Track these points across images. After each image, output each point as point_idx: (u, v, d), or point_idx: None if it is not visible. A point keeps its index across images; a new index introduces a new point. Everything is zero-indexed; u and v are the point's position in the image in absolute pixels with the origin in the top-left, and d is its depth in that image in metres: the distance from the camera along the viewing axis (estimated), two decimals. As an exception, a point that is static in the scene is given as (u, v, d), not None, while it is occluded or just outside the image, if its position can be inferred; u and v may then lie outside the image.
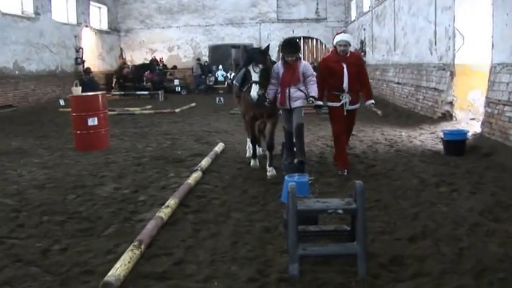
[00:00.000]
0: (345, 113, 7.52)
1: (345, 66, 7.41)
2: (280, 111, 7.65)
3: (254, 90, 6.83)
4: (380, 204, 5.94)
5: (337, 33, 8.03)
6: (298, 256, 4.04)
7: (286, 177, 6.31)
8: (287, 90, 7.23)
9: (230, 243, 4.80)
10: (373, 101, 7.94)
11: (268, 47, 7.66)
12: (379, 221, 5.34)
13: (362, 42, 25.49)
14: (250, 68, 6.98)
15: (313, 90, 7.24)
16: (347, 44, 7.52)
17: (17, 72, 20.75)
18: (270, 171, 7.49)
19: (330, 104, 7.64)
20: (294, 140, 7.42)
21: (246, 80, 7.26)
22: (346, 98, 7.48)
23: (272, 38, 31.38)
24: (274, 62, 7.79)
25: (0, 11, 19.59)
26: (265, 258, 4.44)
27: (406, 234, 4.87)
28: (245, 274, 4.12)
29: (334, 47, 7.68)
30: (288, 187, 4.15)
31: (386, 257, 4.33)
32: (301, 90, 7.29)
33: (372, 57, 23.16)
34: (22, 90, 20.88)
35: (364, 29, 24.83)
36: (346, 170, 7.52)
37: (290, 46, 7.34)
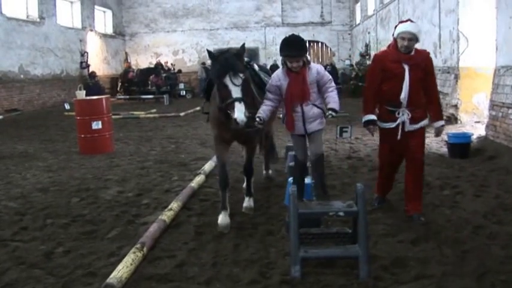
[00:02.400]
0: (399, 136, 5.39)
1: (406, 68, 5.21)
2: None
3: (240, 111, 4.66)
4: (383, 207, 5.93)
5: (401, 22, 5.49)
6: (300, 258, 4.04)
7: (289, 180, 6.30)
8: (298, 110, 5.36)
9: (232, 246, 4.80)
10: (443, 123, 5.55)
11: (243, 46, 5.19)
12: (382, 223, 5.34)
13: (367, 46, 25.50)
14: (227, 80, 4.76)
15: (333, 100, 5.32)
16: (413, 37, 5.21)
17: (22, 76, 20.89)
18: (246, 203, 5.89)
19: (379, 124, 5.54)
20: (310, 176, 5.88)
21: (220, 96, 4.95)
22: (404, 116, 5.33)
23: (277, 42, 31.44)
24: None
25: (5, 16, 19.73)
26: (267, 260, 4.44)
27: (409, 237, 4.86)
28: (247, 276, 4.13)
29: (394, 40, 5.37)
30: (289, 190, 4.16)
31: (389, 260, 4.33)
32: (318, 107, 5.43)
33: (376, 61, 23.12)
34: (27, 94, 21.02)
35: (369, 33, 24.86)
36: (379, 200, 6.02)
37: (291, 47, 5.22)
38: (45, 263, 4.52)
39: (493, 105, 9.36)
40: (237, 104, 4.69)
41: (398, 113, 5.35)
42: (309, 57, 5.48)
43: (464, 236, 4.89)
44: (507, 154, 8.16)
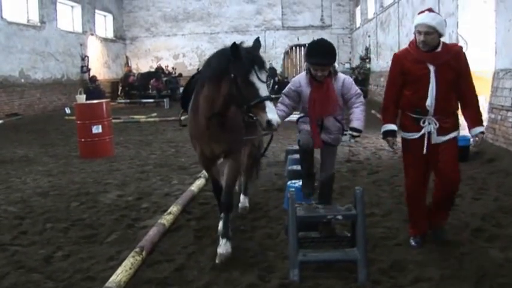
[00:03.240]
0: (426, 150, 4.55)
1: (432, 69, 4.40)
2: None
3: (274, 112, 4.00)
4: (382, 210, 5.94)
5: (420, 13, 4.57)
6: (298, 262, 4.05)
7: (288, 183, 6.31)
8: (319, 123, 4.75)
9: (232, 250, 4.81)
10: (482, 129, 4.65)
11: (258, 40, 4.43)
12: (381, 226, 5.35)
13: (367, 49, 25.54)
14: (254, 77, 4.02)
15: (357, 118, 4.70)
16: (430, 31, 4.33)
17: (22, 80, 20.92)
18: (222, 247, 4.62)
19: (403, 134, 4.73)
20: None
21: (243, 97, 4.05)
22: (430, 125, 4.51)
23: (277, 45, 31.54)
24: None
25: (6, 20, 19.77)
26: (266, 264, 4.45)
27: (407, 240, 4.86)
28: (246, 280, 4.14)
29: (415, 35, 4.54)
30: (288, 193, 4.17)
31: (387, 263, 4.34)
32: (338, 121, 4.81)
33: (376, 64, 23.17)
34: (28, 99, 21.04)
35: (369, 36, 24.88)
36: (419, 239, 4.78)
37: (321, 53, 4.60)
38: (45, 267, 4.53)
39: (492, 108, 9.36)
40: (268, 104, 3.98)
41: (424, 122, 4.52)
42: (336, 66, 4.89)
43: (463, 238, 4.90)
44: (506, 157, 8.16)
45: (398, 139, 4.76)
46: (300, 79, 4.83)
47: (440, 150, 4.58)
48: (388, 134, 4.75)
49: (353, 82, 4.87)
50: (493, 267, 4.18)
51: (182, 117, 5.62)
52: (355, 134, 4.67)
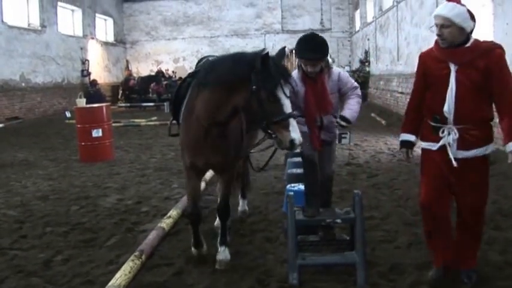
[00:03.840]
0: (448, 164, 3.84)
1: (453, 69, 3.78)
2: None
3: (297, 131, 3.64)
4: (381, 213, 5.94)
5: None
6: (297, 266, 4.05)
7: (287, 187, 6.31)
8: (317, 120, 4.55)
9: (231, 253, 4.81)
10: None
11: (283, 51, 4.12)
12: (380, 229, 5.35)
13: (366, 53, 25.57)
14: (280, 91, 3.67)
15: (348, 107, 4.52)
16: (446, 23, 3.71)
17: (23, 84, 20.95)
18: (221, 254, 4.58)
19: (422, 145, 4.11)
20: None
21: (264, 112, 3.68)
22: (449, 136, 3.83)
23: (277, 49, 31.28)
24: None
25: (6, 24, 19.81)
26: (265, 267, 4.46)
27: (406, 243, 4.88)
28: (245, 284, 4.15)
29: None
30: (287, 197, 4.18)
31: (386, 266, 4.35)
32: (335, 117, 4.62)
33: (376, 67, 23.19)
34: (28, 102, 21.06)
35: (368, 39, 24.92)
36: (439, 272, 4.03)
37: (309, 47, 4.38)
38: (44, 271, 4.54)
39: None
40: (292, 122, 3.62)
41: (443, 131, 3.85)
42: (330, 60, 4.58)
43: (462, 242, 4.90)
44: (505, 160, 8.12)
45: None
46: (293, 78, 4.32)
47: (462, 169, 3.82)
48: (403, 145, 4.20)
49: (349, 76, 4.70)
50: (492, 270, 4.18)
51: (172, 126, 5.04)
52: (342, 123, 4.42)
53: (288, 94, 3.70)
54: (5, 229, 5.84)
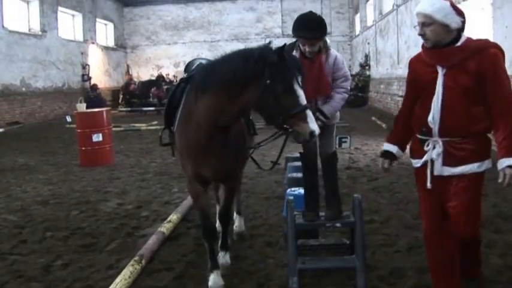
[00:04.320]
0: (438, 182, 3.43)
1: (440, 72, 3.35)
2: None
3: (314, 122, 3.47)
4: (381, 217, 5.94)
5: None
6: (297, 270, 4.04)
7: (288, 191, 6.31)
8: (313, 105, 4.24)
9: (231, 257, 4.80)
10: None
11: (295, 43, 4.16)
12: (380, 233, 5.35)
13: (366, 56, 25.60)
14: (295, 83, 3.49)
15: (331, 104, 4.32)
16: (427, 21, 3.29)
17: (23, 89, 20.99)
18: (222, 258, 4.52)
19: (412, 162, 3.68)
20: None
21: (279, 107, 3.47)
22: (434, 150, 3.39)
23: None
24: None
25: (7, 29, 19.86)
26: (265, 272, 4.45)
27: (407, 246, 4.87)
28: (245, 288, 4.14)
29: None
30: (286, 201, 4.17)
31: (387, 270, 4.35)
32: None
33: (376, 71, 23.22)
34: (29, 107, 21.10)
35: (368, 43, 24.95)
36: None
37: (307, 25, 4.11)
38: (44, 276, 4.54)
39: (491, 114, 9.37)
40: (309, 113, 3.46)
41: (428, 145, 3.45)
42: (328, 41, 4.34)
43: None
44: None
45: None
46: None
47: (452, 189, 3.37)
48: (383, 155, 3.89)
49: (344, 62, 4.45)
50: (492, 273, 4.16)
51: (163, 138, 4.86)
52: (320, 117, 4.18)
53: (301, 85, 3.52)
54: (5, 234, 5.84)
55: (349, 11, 31.86)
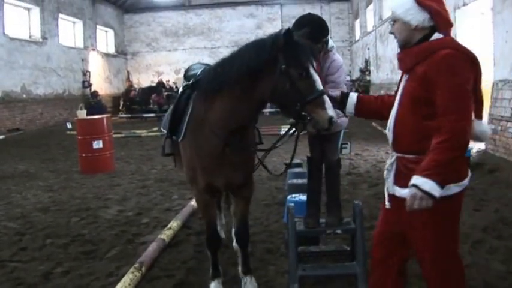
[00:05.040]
0: (388, 202, 3.00)
1: (404, 78, 2.95)
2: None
3: (332, 109, 3.24)
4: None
5: None
6: (298, 277, 4.03)
7: (288, 197, 6.29)
8: None
9: (231, 265, 4.79)
10: (419, 182, 2.54)
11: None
12: (381, 240, 5.31)
13: (366, 62, 25.62)
14: (311, 68, 3.32)
15: None
16: (395, 19, 2.91)
17: (24, 96, 21.02)
18: (250, 284, 4.18)
19: None
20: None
21: (296, 94, 3.27)
22: (389, 168, 2.98)
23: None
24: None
25: (8, 36, 19.90)
26: (266, 278, 4.43)
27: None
28: (246, 295, 4.12)
29: None
30: (287, 208, 4.16)
31: (388, 276, 4.31)
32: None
33: (376, 76, 23.24)
34: (29, 114, 21.11)
35: (368, 49, 24.98)
36: None
37: (309, 27, 3.79)
38: (44, 284, 4.52)
39: (492, 119, 9.37)
40: (326, 99, 3.25)
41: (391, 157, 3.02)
42: (330, 42, 4.29)
43: (464, 251, 4.85)
44: (507, 167, 8.15)
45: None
46: None
47: (408, 217, 2.80)
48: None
49: (340, 67, 4.27)
50: (495, 280, 4.15)
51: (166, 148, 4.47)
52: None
53: (316, 70, 3.35)
54: (5, 241, 5.82)
55: (348, 16, 31.93)
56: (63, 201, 7.78)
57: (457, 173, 2.75)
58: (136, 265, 4.54)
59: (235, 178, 3.87)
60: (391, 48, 19.45)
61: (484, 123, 2.86)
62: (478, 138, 2.88)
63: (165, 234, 5.49)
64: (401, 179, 2.83)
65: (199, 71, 4.23)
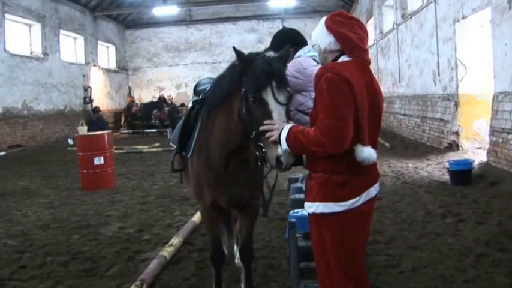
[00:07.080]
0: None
1: None
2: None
3: (284, 143, 2.88)
4: (385, 238, 5.87)
5: None
6: (300, 293, 3.99)
7: (290, 213, 6.24)
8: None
9: (234, 281, 4.75)
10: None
11: (287, 50, 3.41)
12: (384, 254, 5.28)
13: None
14: (269, 94, 3.03)
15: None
16: (314, 44, 3.18)
17: (25, 112, 21.03)
18: None
19: None
20: None
21: (251, 120, 3.08)
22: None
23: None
24: None
25: (9, 52, 19.98)
26: (268, 295, 4.40)
27: (411, 267, 4.81)
28: (247, 312, 4.08)
29: None
30: (288, 223, 4.12)
31: (391, 292, 4.28)
32: (307, 114, 3.87)
33: (377, 89, 23.26)
34: (30, 130, 21.11)
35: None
36: None
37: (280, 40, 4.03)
38: (44, 303, 4.48)
39: (493, 131, 9.35)
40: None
41: None
42: (301, 53, 4.47)
43: (467, 264, 4.83)
44: (509, 180, 8.11)
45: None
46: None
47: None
48: None
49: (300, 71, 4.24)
50: (498, 294, 4.12)
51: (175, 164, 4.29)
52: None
53: (280, 100, 3.01)
54: (5, 259, 5.77)
55: (349, 30, 32.03)
56: (63, 218, 7.75)
57: (335, 193, 2.84)
58: (137, 283, 4.51)
59: (239, 196, 3.81)
60: (392, 62, 19.49)
61: (366, 149, 2.82)
62: (362, 163, 2.86)
63: (167, 251, 5.45)
64: (307, 195, 2.99)
65: (208, 86, 4.18)
